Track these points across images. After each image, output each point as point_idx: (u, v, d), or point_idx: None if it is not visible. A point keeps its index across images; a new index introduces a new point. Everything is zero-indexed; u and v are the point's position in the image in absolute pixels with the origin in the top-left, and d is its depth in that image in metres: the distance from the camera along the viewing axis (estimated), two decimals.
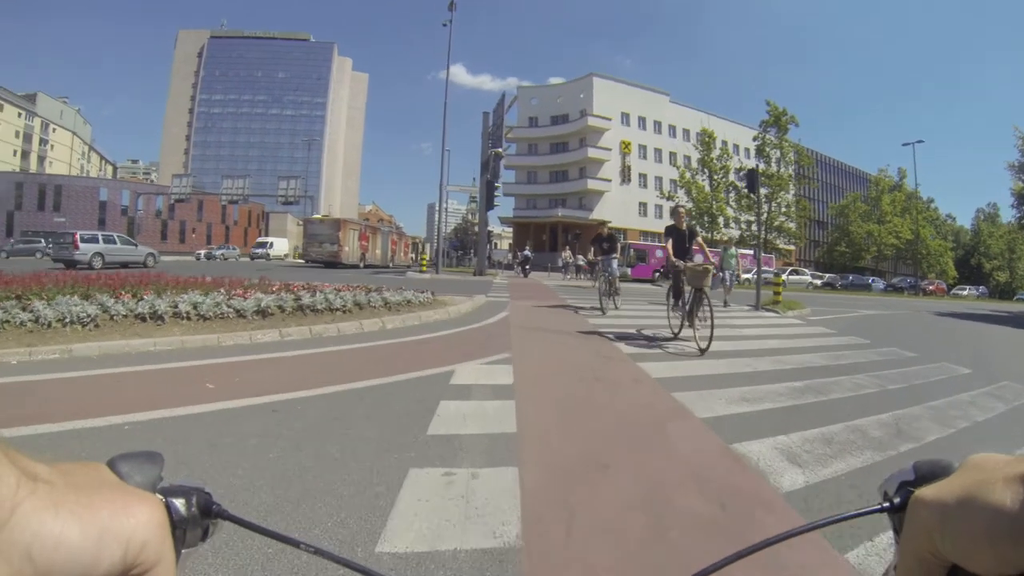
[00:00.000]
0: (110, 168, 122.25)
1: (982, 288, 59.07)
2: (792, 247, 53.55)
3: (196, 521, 0.41)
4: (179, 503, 0.40)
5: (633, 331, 8.66)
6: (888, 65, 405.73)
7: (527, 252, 33.67)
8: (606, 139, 57.23)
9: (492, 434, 3.39)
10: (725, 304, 14.29)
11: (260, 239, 58.19)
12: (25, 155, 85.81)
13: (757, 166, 25.54)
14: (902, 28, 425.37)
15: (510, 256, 45.74)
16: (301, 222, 45.41)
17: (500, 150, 29.49)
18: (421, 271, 26.79)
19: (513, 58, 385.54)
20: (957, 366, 7.18)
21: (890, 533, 0.44)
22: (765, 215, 41.76)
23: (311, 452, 2.95)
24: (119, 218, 59.55)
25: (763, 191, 37.12)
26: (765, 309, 14.17)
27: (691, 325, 7.36)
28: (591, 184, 55.99)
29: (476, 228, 35.55)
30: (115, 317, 6.35)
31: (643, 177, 59.80)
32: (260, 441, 3.07)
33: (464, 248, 57.65)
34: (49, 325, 5.85)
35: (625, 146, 58.02)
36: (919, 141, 48.19)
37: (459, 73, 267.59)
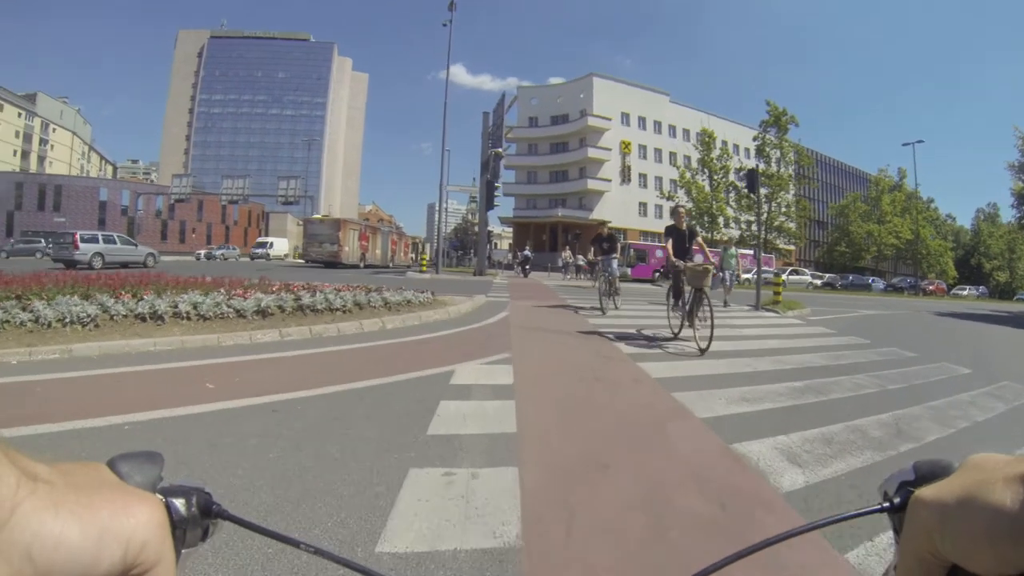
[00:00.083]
0: (110, 168, 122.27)
1: (982, 288, 59.04)
2: (792, 247, 53.57)
3: (196, 521, 0.41)
4: (179, 503, 0.40)
5: (633, 331, 8.66)
6: (888, 65, 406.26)
7: (527, 252, 33.64)
8: (606, 139, 57.22)
9: (492, 434, 3.39)
10: (725, 304, 14.29)
11: (260, 239, 58.15)
12: (25, 155, 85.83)
13: (757, 166, 25.53)
14: (902, 28, 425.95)
15: (510, 256, 45.70)
16: (301, 222, 45.37)
17: (500, 150, 29.48)
18: (421, 271, 26.78)
19: (513, 58, 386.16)
20: (957, 366, 7.17)
21: (890, 533, 0.44)
22: (765, 215, 41.75)
23: (311, 452, 2.95)
24: (119, 218, 59.55)
25: (763, 191, 37.11)
26: (765, 309, 14.16)
27: (691, 325, 7.36)
28: (591, 184, 55.99)
29: (476, 228, 35.50)
30: (115, 317, 6.34)
31: (643, 177, 59.81)
32: (260, 441, 3.07)
33: (464, 248, 57.61)
34: (49, 325, 5.84)
35: (625, 146, 58.02)
36: (919, 141, 48.25)
37: (459, 73, 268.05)
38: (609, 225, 12.05)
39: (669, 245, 8.18)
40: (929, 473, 0.42)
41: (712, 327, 6.81)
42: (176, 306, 6.73)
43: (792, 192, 47.60)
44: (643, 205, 59.63)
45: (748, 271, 25.60)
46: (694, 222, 37.33)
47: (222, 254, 47.90)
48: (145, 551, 0.34)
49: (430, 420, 3.60)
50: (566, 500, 2.51)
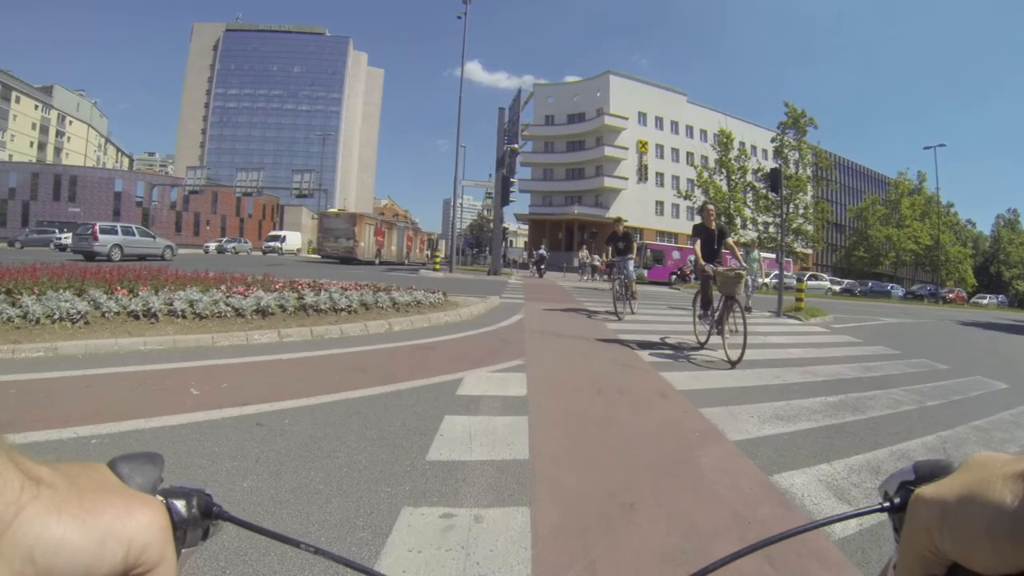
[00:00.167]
0: (127, 160, 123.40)
1: (1002, 297, 57.91)
2: (809, 251, 52.66)
3: (196, 522, 0.41)
4: (180, 504, 0.40)
5: (654, 338, 8.23)
6: (911, 67, 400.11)
7: (542, 251, 33.19)
8: (623, 138, 56.72)
9: (501, 461, 2.98)
10: (748, 309, 13.83)
11: (272, 233, 57.95)
12: (42, 147, 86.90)
13: (779, 166, 25.04)
14: (926, 31, 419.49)
15: (525, 255, 45.25)
16: (316, 216, 45.08)
17: (516, 146, 29.06)
18: (434, 269, 26.37)
19: (529, 56, 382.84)
20: (992, 380, 6.83)
21: (890, 533, 0.43)
22: (785, 216, 41.03)
23: (290, 482, 2.56)
24: (134, 209, 59.85)
25: (783, 192, 36.46)
26: (787, 316, 13.70)
27: (720, 334, 6.84)
28: (607, 182, 55.54)
29: (491, 225, 35.02)
30: (107, 314, 6.05)
31: (660, 176, 59.32)
32: (235, 465, 2.69)
33: (479, 245, 56.76)
34: (37, 321, 5.59)
35: (642, 145, 57.53)
36: (941, 145, 47.50)
37: (475, 70, 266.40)
38: (625, 224, 11.49)
39: (697, 247, 7.43)
40: (929, 473, 0.41)
41: (745, 337, 6.26)
42: (171, 304, 6.41)
43: (811, 194, 46.87)
44: (660, 204, 59.13)
45: (767, 275, 25.11)
46: (724, 220, 36.76)
47: (233, 247, 47.79)
48: (147, 553, 0.34)
49: (431, 441, 3.21)
50: (587, 552, 2.10)
